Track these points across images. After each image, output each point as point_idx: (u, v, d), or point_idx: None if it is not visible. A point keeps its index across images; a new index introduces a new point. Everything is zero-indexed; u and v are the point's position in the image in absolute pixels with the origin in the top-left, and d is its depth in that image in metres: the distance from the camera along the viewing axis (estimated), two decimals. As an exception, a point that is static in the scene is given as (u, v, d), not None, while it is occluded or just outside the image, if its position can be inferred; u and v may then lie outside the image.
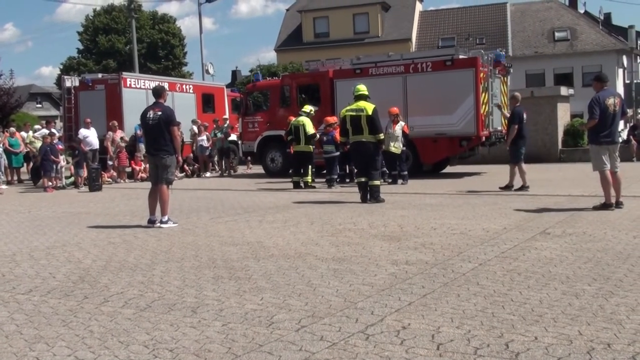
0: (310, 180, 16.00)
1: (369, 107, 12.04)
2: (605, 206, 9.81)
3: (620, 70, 46.67)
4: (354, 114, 12.09)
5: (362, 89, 12.47)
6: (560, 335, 4.02)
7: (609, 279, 5.40)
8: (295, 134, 15.98)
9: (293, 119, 16.64)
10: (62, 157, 19.01)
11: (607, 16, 57.49)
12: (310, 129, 15.83)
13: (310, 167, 16.09)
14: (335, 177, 16.01)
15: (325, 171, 16.52)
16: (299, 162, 16.08)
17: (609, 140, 9.92)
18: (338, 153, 15.97)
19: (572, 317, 4.38)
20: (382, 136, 12.27)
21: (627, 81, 38.74)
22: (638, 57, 50.57)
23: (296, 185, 15.86)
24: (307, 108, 16.46)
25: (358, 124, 11.99)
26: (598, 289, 5.08)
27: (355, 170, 13.84)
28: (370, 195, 12.06)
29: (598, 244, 7.00)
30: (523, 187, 13.09)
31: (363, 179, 12.19)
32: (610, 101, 9.83)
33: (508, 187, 13.32)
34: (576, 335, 4.01)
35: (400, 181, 15.84)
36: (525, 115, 13.55)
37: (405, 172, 16.04)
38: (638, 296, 4.84)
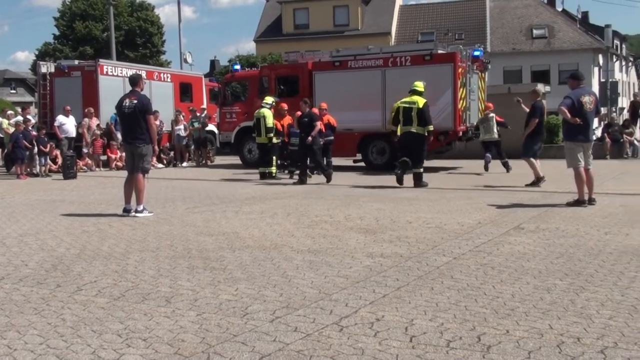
0: (273, 172, 16.29)
1: (420, 101, 13.19)
2: (578, 203, 9.93)
3: (596, 69, 47.16)
4: (407, 105, 13.22)
5: (419, 85, 13.63)
6: (531, 329, 4.07)
7: (580, 274, 5.47)
8: (256, 125, 16.24)
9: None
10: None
11: (585, 15, 58.06)
12: (269, 122, 16.05)
13: (274, 157, 16.38)
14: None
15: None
16: (262, 153, 16.47)
17: (583, 138, 10.01)
18: None
19: (544, 311, 4.44)
20: (431, 128, 13.35)
21: (603, 80, 39.12)
22: (614, 56, 51.14)
23: (263, 176, 16.07)
24: (269, 99, 16.65)
25: (409, 116, 13.11)
26: (569, 284, 5.16)
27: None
28: (414, 181, 13.22)
29: (570, 240, 7.09)
30: (540, 180, 12.87)
31: (408, 160, 13.18)
32: (586, 99, 9.91)
33: (538, 181, 12.97)
34: (547, 329, 4.07)
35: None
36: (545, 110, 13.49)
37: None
38: (608, 291, 4.92)
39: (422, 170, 13.35)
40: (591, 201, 9.98)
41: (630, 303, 4.60)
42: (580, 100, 9.84)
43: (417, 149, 13.22)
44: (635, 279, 5.28)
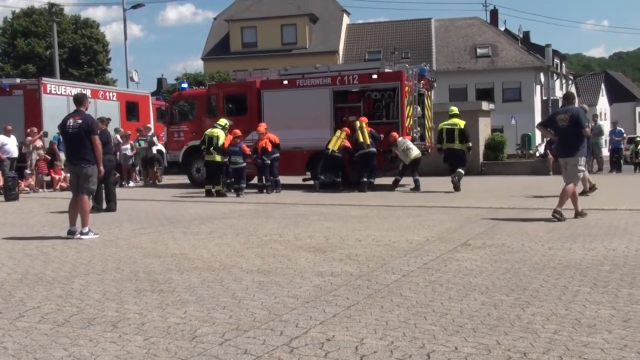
0: (221, 188, 16.62)
1: (461, 123, 16.48)
2: (580, 214, 10.37)
3: (538, 87, 48.48)
4: (449, 127, 16.42)
5: (455, 109, 16.98)
6: (479, 345, 4.12)
7: (526, 289, 5.58)
8: (209, 144, 16.46)
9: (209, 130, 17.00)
10: None
11: (526, 34, 59.73)
12: (221, 142, 16.46)
13: (221, 176, 16.75)
14: (244, 186, 16.73)
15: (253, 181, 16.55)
16: (211, 171, 16.75)
17: (558, 153, 10.95)
18: (245, 164, 16.83)
19: (491, 327, 4.50)
20: (470, 144, 16.71)
21: (544, 98, 40.21)
22: (555, 74, 52.66)
23: (209, 194, 16.46)
24: (223, 121, 17.05)
25: (452, 135, 16.31)
26: (515, 299, 5.25)
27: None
28: (457, 179, 16.02)
29: (516, 255, 7.23)
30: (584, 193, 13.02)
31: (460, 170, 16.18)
32: (560, 116, 10.45)
33: (584, 193, 13.05)
34: (494, 344, 4.12)
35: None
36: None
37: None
38: (553, 306, 5.02)
39: (463, 172, 16.37)
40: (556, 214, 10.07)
41: (574, 317, 4.70)
42: (554, 117, 10.58)
43: (461, 160, 16.38)
44: (579, 293, 5.40)
